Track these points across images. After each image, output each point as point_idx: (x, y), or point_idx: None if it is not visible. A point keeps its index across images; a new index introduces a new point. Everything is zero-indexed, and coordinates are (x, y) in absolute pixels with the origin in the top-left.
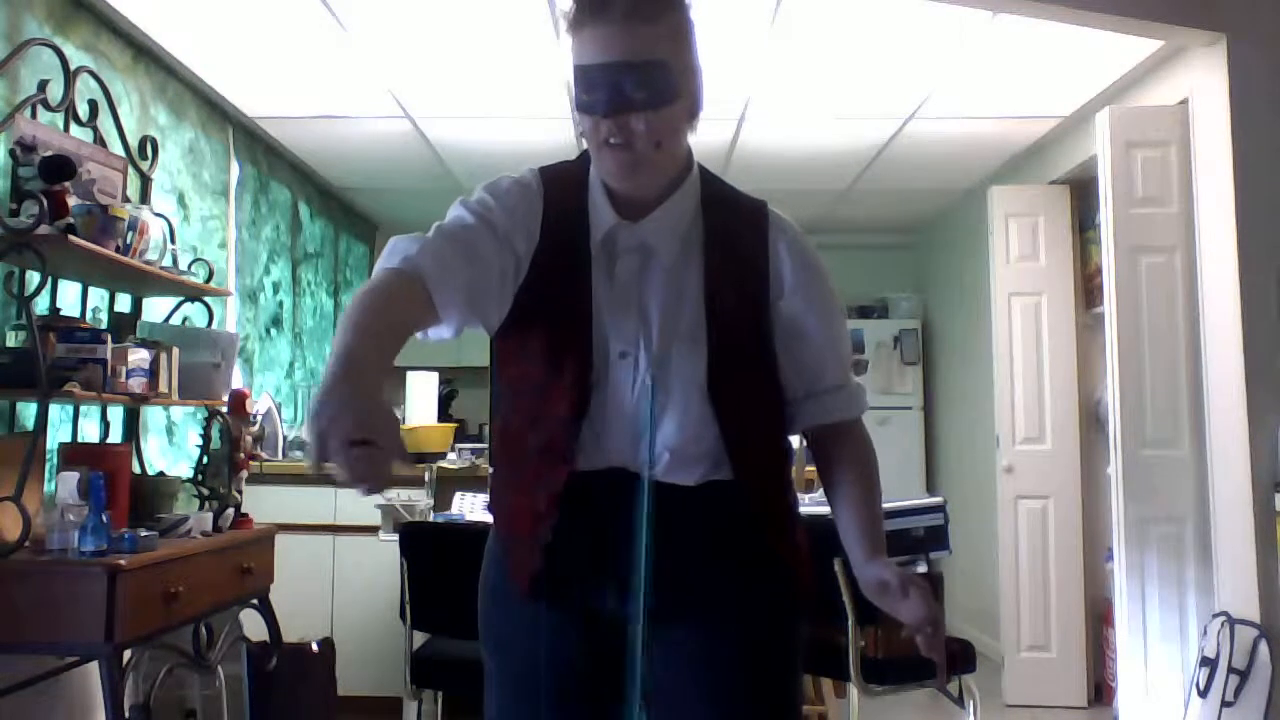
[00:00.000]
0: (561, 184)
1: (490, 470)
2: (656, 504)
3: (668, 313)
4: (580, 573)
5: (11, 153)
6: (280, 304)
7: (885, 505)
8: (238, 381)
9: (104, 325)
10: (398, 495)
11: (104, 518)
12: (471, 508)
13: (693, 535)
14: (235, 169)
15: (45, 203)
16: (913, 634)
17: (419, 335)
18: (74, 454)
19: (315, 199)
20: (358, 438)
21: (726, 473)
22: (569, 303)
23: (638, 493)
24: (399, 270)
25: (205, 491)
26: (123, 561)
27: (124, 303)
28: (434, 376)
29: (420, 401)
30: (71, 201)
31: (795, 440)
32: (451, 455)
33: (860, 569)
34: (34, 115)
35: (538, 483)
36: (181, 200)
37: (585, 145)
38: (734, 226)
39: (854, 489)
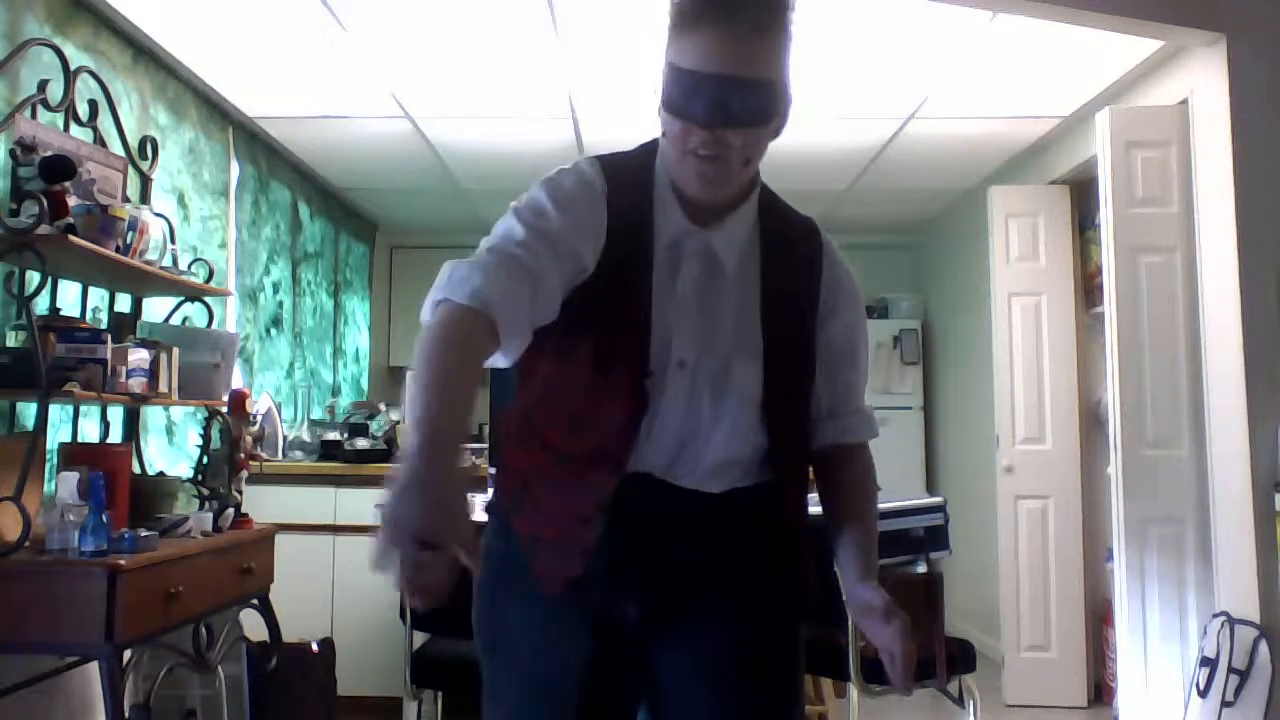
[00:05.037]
0: (625, 181)
1: (496, 469)
2: (679, 510)
3: (729, 324)
4: (609, 578)
5: (11, 153)
6: (280, 304)
7: (885, 505)
8: (238, 381)
9: (104, 325)
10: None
11: (104, 518)
12: (471, 508)
13: (711, 541)
14: (235, 169)
15: (45, 203)
16: (881, 655)
17: None
18: (74, 454)
19: (315, 199)
20: (428, 540)
21: (751, 480)
22: (629, 307)
23: (663, 500)
24: (468, 308)
25: (205, 491)
26: (123, 561)
27: (124, 303)
28: None
29: None
30: (71, 201)
31: None
32: None
33: (851, 588)
34: (34, 115)
35: (580, 487)
36: (181, 200)
37: (662, 142)
38: (789, 241)
39: (857, 513)
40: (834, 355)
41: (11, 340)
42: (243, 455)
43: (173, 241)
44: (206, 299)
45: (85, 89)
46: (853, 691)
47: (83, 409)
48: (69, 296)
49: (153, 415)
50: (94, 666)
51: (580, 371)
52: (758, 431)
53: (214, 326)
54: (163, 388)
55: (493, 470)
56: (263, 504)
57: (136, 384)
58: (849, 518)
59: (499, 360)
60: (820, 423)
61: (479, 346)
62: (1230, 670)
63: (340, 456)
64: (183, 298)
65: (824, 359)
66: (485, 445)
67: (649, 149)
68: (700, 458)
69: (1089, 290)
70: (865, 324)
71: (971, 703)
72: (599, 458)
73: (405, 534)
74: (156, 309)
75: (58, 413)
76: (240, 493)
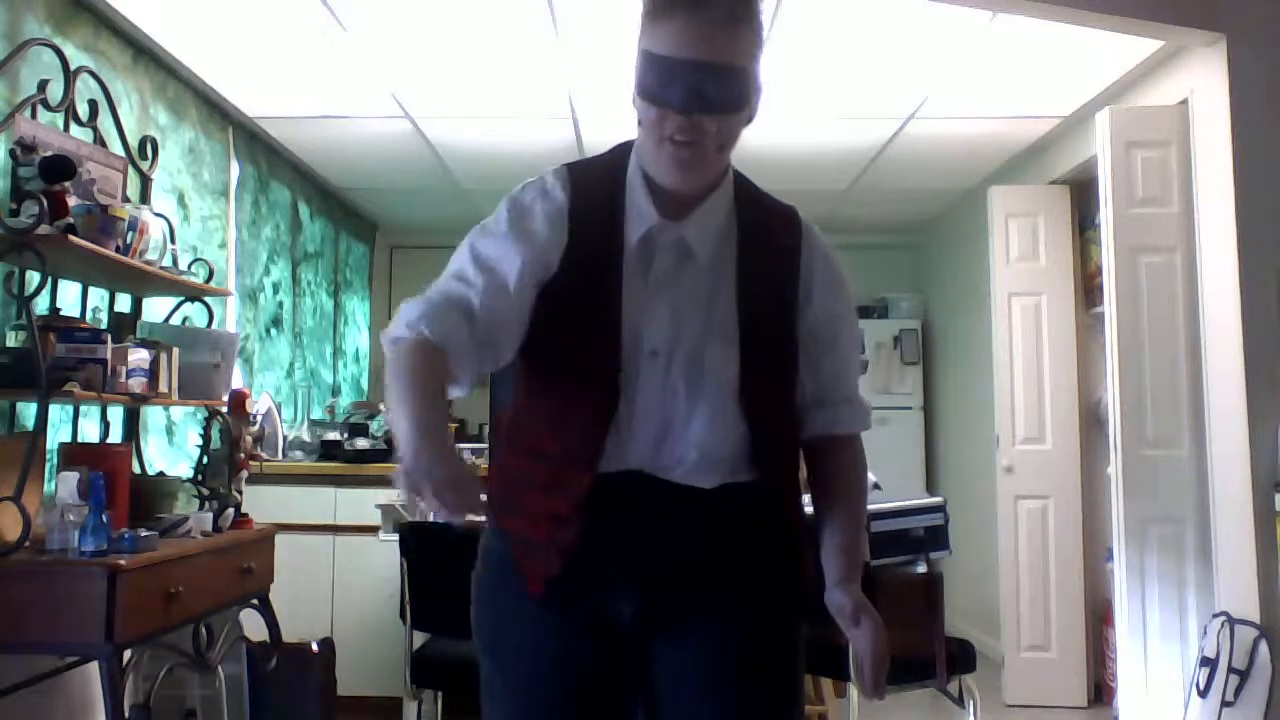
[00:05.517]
0: (592, 184)
1: (490, 468)
2: (672, 507)
3: (703, 310)
4: (595, 577)
5: (11, 153)
6: (280, 304)
7: (886, 505)
8: (238, 381)
9: (104, 325)
10: (398, 495)
11: (104, 518)
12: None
13: (707, 538)
14: (235, 169)
15: (45, 203)
16: (857, 655)
17: None
18: (74, 454)
19: (315, 199)
20: (447, 483)
21: (744, 475)
22: (598, 304)
23: (655, 496)
24: (426, 340)
25: (205, 491)
26: (123, 561)
27: (124, 303)
28: None
29: None
30: (71, 201)
31: None
32: None
33: (831, 587)
34: (34, 115)
35: (558, 486)
36: (181, 200)
37: (638, 133)
38: (767, 228)
39: (846, 509)
40: (820, 341)
41: (11, 340)
42: (243, 455)
43: (173, 241)
44: (206, 299)
45: (85, 89)
46: (853, 691)
47: (83, 409)
48: (69, 296)
49: (153, 415)
50: (94, 666)
51: (556, 372)
52: (739, 419)
53: (214, 326)
54: (163, 388)
55: (490, 471)
56: (263, 504)
57: (136, 384)
58: (836, 515)
59: (456, 392)
60: (808, 412)
61: (436, 365)
62: (1230, 670)
63: (340, 456)
64: (183, 298)
65: (806, 346)
66: (485, 446)
67: (622, 149)
68: (682, 447)
69: (1089, 290)
70: (853, 313)
71: (971, 703)
72: (574, 456)
73: (430, 485)
74: (156, 309)
75: (58, 413)
76: (240, 493)
